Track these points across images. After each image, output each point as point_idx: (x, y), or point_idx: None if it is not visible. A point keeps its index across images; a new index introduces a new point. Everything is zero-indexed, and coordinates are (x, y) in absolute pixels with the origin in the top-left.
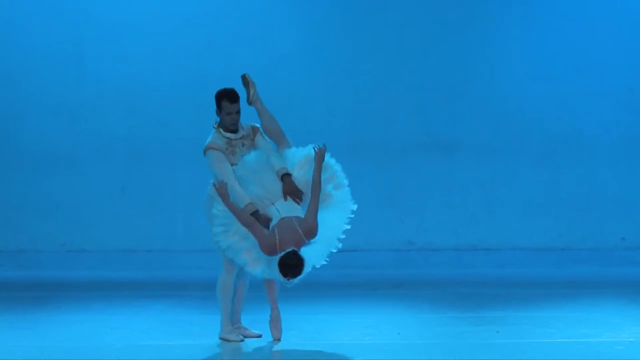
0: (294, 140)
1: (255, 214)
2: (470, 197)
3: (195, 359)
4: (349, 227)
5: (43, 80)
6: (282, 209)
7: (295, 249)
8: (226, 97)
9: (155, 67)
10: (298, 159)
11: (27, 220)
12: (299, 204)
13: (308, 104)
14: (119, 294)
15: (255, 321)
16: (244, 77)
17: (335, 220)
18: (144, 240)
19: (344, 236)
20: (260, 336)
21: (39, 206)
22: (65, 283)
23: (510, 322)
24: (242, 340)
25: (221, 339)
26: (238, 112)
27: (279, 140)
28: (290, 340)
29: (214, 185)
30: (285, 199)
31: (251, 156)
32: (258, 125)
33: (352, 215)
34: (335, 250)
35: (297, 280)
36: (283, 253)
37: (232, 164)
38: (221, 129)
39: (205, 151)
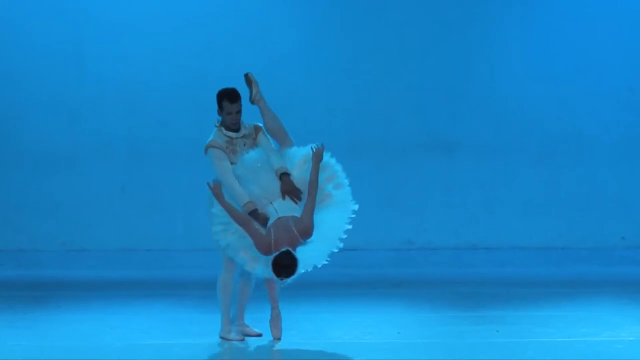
0: (295, 140)
1: (254, 213)
2: (470, 197)
3: (195, 359)
4: (350, 227)
5: (43, 80)
6: (280, 209)
7: (290, 248)
8: (227, 97)
9: (155, 67)
10: (298, 159)
11: (27, 220)
12: (297, 203)
13: (308, 104)
14: (119, 293)
15: (256, 320)
16: (246, 76)
17: (336, 220)
18: (143, 240)
19: (345, 236)
20: (260, 335)
21: (39, 206)
22: (65, 282)
23: (510, 321)
24: (242, 340)
25: (221, 338)
26: (239, 112)
27: (282, 139)
28: (291, 340)
29: (208, 184)
30: (284, 198)
31: (250, 155)
32: (261, 125)
33: (353, 216)
34: (336, 250)
35: (290, 280)
36: (277, 253)
37: (232, 163)
38: (222, 128)
39: (206, 150)
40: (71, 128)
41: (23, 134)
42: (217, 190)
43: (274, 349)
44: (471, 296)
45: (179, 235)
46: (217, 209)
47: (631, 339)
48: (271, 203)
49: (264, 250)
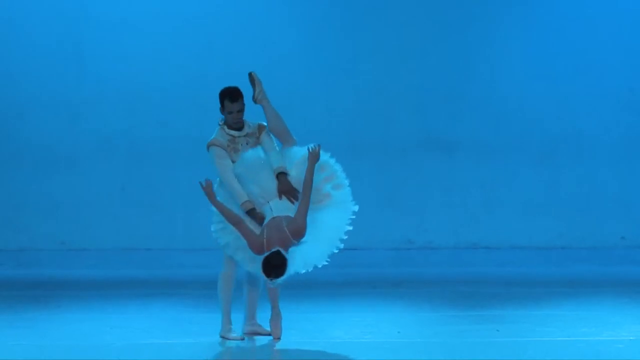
0: (296, 140)
1: (252, 212)
2: (470, 196)
3: (195, 358)
4: (350, 228)
5: (43, 80)
6: (276, 208)
7: (281, 249)
8: (228, 96)
9: (155, 67)
10: (297, 158)
11: (27, 219)
12: (293, 203)
13: (308, 104)
14: (119, 293)
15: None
16: (250, 75)
17: (336, 220)
18: (143, 239)
19: (346, 237)
20: (270, 334)
21: (39, 205)
22: (65, 282)
23: (510, 321)
24: (243, 339)
25: (221, 337)
26: (240, 111)
27: (285, 138)
28: (291, 339)
29: (200, 183)
30: (280, 198)
31: (249, 154)
32: (265, 124)
33: (353, 217)
34: (336, 251)
35: (280, 280)
36: (268, 253)
37: (234, 162)
38: (225, 127)
39: (208, 147)
40: (71, 128)
41: (23, 133)
42: (208, 190)
43: (274, 348)
44: (471, 295)
45: (179, 234)
46: None
47: (631, 338)
48: (268, 202)
49: (257, 250)
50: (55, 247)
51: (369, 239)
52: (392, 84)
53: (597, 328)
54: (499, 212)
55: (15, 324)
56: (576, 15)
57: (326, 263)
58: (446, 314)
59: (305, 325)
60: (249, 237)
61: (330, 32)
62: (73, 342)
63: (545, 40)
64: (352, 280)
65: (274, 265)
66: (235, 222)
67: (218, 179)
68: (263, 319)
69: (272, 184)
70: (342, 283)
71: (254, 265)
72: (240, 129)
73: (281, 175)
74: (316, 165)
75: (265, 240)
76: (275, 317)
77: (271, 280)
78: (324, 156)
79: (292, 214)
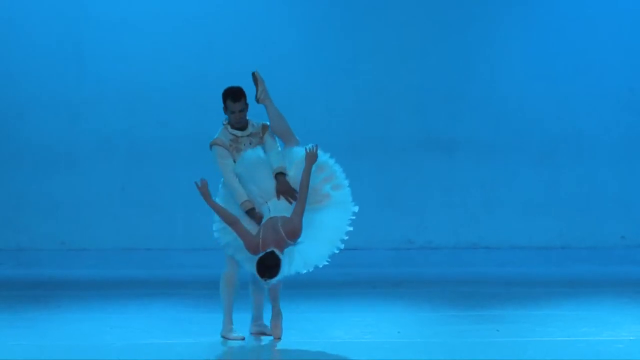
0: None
1: (251, 212)
2: (470, 196)
3: (195, 358)
4: (350, 228)
5: (43, 80)
6: (274, 208)
7: (275, 249)
8: (230, 96)
9: (155, 67)
10: (297, 159)
11: (27, 219)
12: (291, 203)
13: (308, 104)
14: (119, 293)
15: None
16: (253, 75)
17: (336, 221)
18: (143, 239)
19: (346, 237)
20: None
21: (39, 205)
22: (65, 282)
23: (510, 321)
24: (243, 339)
25: (222, 337)
26: (242, 111)
27: (287, 138)
28: (291, 339)
29: (196, 183)
30: (278, 198)
31: (248, 153)
32: (269, 124)
33: (353, 217)
34: (337, 251)
35: (274, 281)
36: (262, 253)
37: (236, 161)
38: (229, 126)
39: (210, 146)
40: (71, 128)
41: (23, 133)
42: (204, 190)
43: (274, 348)
44: (471, 295)
45: (179, 234)
46: None
47: (631, 338)
48: (266, 202)
49: (253, 250)
50: (55, 247)
51: (369, 239)
52: (392, 84)
53: (597, 328)
54: (499, 212)
55: (15, 324)
56: (576, 15)
57: (326, 263)
58: (446, 314)
59: (305, 325)
60: (245, 237)
61: (330, 32)
62: (73, 342)
63: (545, 40)
64: (352, 280)
65: (268, 266)
66: (231, 222)
67: (222, 179)
68: (268, 319)
69: (271, 184)
70: (342, 283)
71: (252, 265)
72: (243, 128)
73: (280, 176)
74: (315, 165)
75: (260, 240)
76: (276, 317)
77: (265, 280)
78: (324, 156)
79: (288, 215)
